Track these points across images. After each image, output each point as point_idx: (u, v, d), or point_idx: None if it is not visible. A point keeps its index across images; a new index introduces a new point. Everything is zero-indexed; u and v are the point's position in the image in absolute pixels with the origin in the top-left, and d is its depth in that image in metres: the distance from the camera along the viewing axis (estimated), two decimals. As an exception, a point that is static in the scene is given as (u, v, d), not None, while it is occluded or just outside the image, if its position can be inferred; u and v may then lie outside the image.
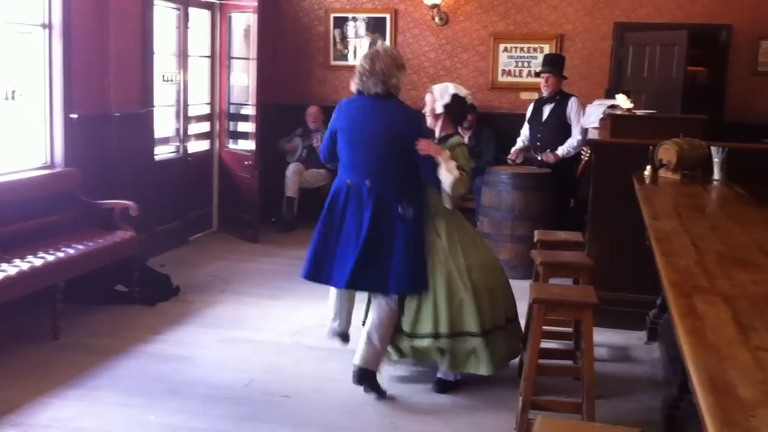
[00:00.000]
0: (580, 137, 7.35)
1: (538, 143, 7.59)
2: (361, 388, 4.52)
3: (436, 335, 4.46)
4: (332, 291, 4.84)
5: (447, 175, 4.40)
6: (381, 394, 4.50)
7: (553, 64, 7.58)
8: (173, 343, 5.34)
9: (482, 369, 4.50)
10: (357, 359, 4.52)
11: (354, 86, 4.61)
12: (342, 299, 4.84)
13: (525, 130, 7.81)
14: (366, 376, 4.49)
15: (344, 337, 4.92)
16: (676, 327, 2.31)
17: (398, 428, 4.15)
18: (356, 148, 4.55)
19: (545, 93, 7.58)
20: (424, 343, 4.50)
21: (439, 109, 4.68)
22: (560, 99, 7.52)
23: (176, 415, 4.23)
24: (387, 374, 4.74)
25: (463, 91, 4.74)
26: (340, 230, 4.57)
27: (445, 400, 4.52)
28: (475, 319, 4.46)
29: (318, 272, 4.64)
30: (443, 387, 4.62)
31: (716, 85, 8.80)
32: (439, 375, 4.65)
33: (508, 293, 4.79)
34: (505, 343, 4.65)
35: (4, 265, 5.03)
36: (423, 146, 4.44)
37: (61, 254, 5.43)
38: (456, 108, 4.70)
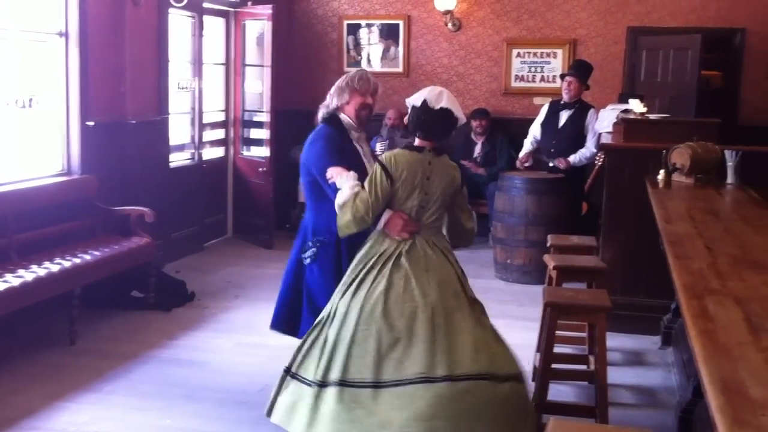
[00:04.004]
0: (594, 150, 7.29)
1: (552, 149, 7.54)
2: None
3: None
4: None
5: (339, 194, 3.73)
6: None
7: (580, 69, 7.45)
8: (188, 348, 5.37)
9: None
10: None
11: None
12: None
13: (535, 132, 7.68)
14: None
15: None
16: (688, 328, 2.31)
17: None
18: None
19: (566, 98, 7.43)
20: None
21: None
22: (580, 108, 7.42)
23: (192, 420, 4.26)
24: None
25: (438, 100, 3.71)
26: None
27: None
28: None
29: None
30: None
31: (730, 88, 8.77)
32: None
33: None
34: None
35: (21, 272, 5.09)
36: (329, 174, 3.82)
37: (77, 260, 5.48)
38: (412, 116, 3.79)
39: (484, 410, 3.41)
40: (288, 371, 3.73)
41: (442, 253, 3.71)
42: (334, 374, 3.51)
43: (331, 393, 3.49)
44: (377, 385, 3.46)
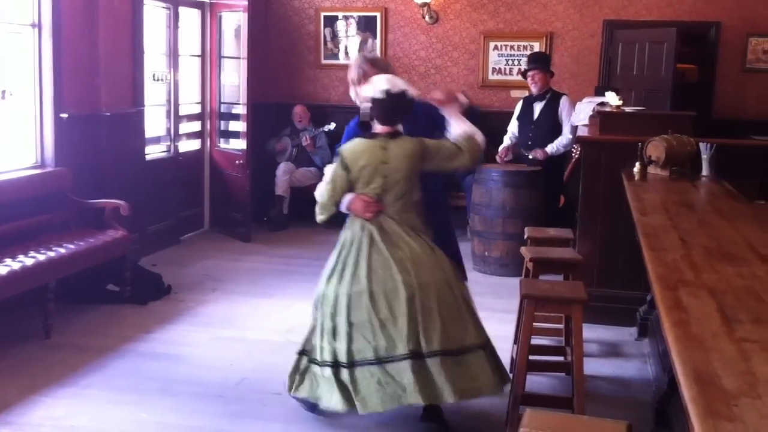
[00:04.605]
0: (570, 136, 7.38)
1: (530, 142, 7.61)
2: None
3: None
4: None
5: None
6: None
7: (538, 61, 7.63)
8: (165, 341, 5.34)
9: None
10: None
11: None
12: None
13: (513, 128, 7.82)
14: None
15: None
16: (662, 319, 2.33)
17: (389, 425, 4.16)
18: None
19: (534, 90, 7.61)
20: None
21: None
22: (551, 97, 7.55)
23: (169, 413, 4.24)
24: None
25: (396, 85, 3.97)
26: None
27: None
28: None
29: None
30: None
31: (705, 82, 8.84)
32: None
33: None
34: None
35: (-5, 265, 5.04)
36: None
37: (52, 254, 5.43)
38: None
39: (470, 376, 3.86)
40: (301, 352, 4.14)
41: (412, 229, 3.98)
42: (342, 357, 3.88)
43: (344, 373, 3.88)
44: (380, 361, 3.83)
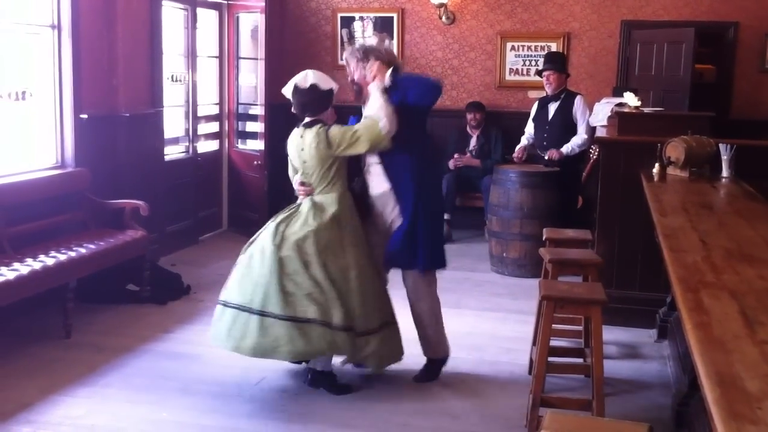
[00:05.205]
0: (585, 136, 7.36)
1: (545, 142, 7.60)
2: (372, 384, 4.61)
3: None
4: None
5: None
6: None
7: (554, 61, 7.62)
8: (184, 341, 5.37)
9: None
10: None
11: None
12: None
13: (529, 129, 7.84)
14: None
15: None
16: (683, 321, 2.32)
17: (409, 426, 4.17)
18: None
19: (549, 91, 7.60)
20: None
21: None
22: (566, 97, 7.54)
23: (188, 413, 4.26)
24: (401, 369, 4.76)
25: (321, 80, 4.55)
26: None
27: (454, 397, 4.54)
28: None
29: None
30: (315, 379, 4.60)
31: (723, 82, 8.79)
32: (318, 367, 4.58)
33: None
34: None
35: (17, 265, 5.08)
36: None
37: (72, 253, 5.47)
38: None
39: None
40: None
41: (332, 215, 4.40)
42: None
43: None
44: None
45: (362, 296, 4.35)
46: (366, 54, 4.57)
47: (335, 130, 4.42)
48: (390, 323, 4.54)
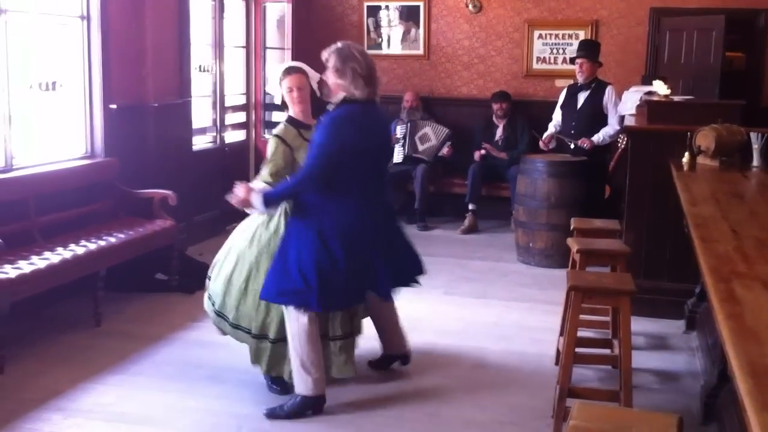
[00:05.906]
0: (617, 127, 7.31)
1: (573, 131, 7.56)
2: (401, 374, 4.61)
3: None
4: None
5: None
6: None
7: (588, 49, 7.55)
8: (212, 330, 5.36)
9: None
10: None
11: (359, 92, 4.04)
12: None
13: (557, 116, 7.80)
14: None
15: None
16: (715, 312, 2.30)
17: (437, 416, 4.17)
18: (371, 167, 4.17)
19: (580, 79, 7.55)
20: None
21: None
22: (596, 87, 7.49)
23: (216, 400, 4.30)
24: (420, 364, 4.76)
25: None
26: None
27: (481, 388, 4.53)
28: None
29: None
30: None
31: (753, 69, 8.68)
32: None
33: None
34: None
35: (47, 254, 5.14)
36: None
37: (102, 242, 5.52)
38: None
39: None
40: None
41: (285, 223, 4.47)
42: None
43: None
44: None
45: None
46: (345, 63, 4.17)
47: (272, 147, 4.50)
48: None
